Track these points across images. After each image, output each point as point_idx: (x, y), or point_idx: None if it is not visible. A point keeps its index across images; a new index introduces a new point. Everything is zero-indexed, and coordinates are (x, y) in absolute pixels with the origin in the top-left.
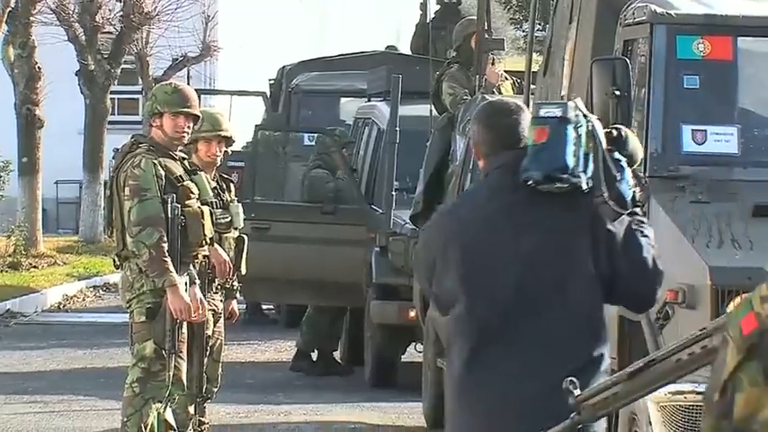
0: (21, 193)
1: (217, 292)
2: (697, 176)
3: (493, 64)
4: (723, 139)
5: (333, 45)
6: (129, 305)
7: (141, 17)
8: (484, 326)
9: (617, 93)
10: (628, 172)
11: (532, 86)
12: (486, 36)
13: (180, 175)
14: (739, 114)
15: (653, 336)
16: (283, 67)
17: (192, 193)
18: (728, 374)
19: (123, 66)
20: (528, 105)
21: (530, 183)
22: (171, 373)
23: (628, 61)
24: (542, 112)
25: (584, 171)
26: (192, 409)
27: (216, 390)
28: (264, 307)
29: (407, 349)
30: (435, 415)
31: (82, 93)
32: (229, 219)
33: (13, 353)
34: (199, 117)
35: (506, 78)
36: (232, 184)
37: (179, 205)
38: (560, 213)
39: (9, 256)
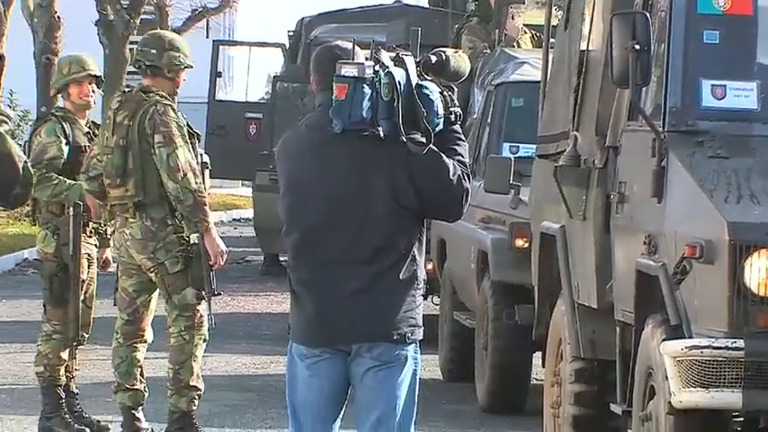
0: None
1: (91, 236)
2: (716, 132)
3: (513, 18)
4: (743, 95)
5: None
6: (154, 255)
7: None
8: (299, 242)
9: (636, 47)
10: (437, 102)
11: (552, 40)
12: None
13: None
14: (759, 70)
15: (670, 290)
16: (302, 18)
17: None
18: None
19: (142, 16)
20: (547, 60)
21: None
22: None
23: (648, 15)
24: (342, 71)
25: (386, 118)
26: (65, 355)
27: (87, 336)
28: (282, 258)
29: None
30: (451, 367)
31: (101, 42)
32: None
33: (31, 301)
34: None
35: (525, 32)
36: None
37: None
38: (364, 153)
39: (27, 204)
